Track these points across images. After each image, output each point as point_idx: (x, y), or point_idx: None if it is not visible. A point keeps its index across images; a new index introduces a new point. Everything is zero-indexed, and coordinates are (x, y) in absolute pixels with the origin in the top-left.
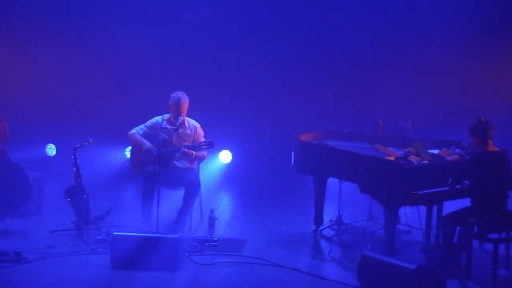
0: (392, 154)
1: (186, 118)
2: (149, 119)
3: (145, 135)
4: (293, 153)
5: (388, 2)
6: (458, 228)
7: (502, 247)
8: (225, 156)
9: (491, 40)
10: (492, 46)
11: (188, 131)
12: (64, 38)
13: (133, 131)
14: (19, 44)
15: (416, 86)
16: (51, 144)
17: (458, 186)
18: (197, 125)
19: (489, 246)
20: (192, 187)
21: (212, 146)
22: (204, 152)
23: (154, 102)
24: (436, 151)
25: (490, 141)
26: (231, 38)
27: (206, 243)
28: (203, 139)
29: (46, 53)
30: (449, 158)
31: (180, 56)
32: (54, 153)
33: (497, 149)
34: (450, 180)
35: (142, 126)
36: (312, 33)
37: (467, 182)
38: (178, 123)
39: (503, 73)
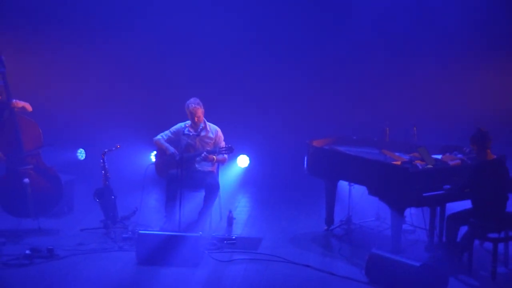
0: (398, 159)
1: (208, 123)
2: (172, 125)
3: (169, 140)
4: (306, 157)
5: (396, 14)
6: (460, 228)
7: (501, 246)
8: (243, 161)
9: (494, 49)
10: (495, 55)
11: (210, 135)
12: (92, 47)
13: (158, 136)
14: (51, 54)
15: (421, 96)
16: (81, 149)
17: (447, 186)
18: (218, 129)
19: (489, 245)
20: (211, 189)
21: (232, 151)
22: (225, 156)
23: (176, 109)
24: (439, 156)
25: (489, 150)
26: (249, 46)
27: (225, 241)
28: (223, 142)
29: (76, 64)
30: (451, 163)
31: (200, 64)
32: (84, 157)
33: (495, 156)
34: (456, 185)
35: (167, 132)
36: (326, 44)
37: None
38: (199, 130)
39: (504, 81)
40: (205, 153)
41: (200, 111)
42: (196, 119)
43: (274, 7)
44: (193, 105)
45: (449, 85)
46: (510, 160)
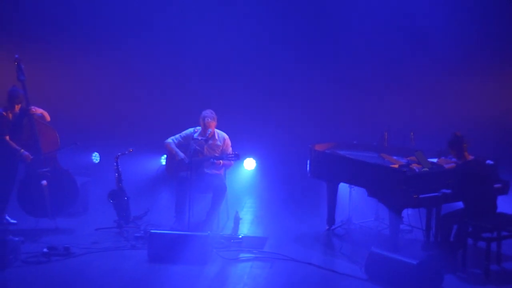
0: (396, 162)
1: (216, 130)
2: (182, 129)
3: (179, 144)
4: (308, 161)
5: (394, 24)
6: (454, 228)
7: (494, 245)
8: (249, 163)
9: (489, 57)
10: (490, 63)
11: (218, 142)
12: (106, 53)
13: (170, 140)
14: (66, 62)
15: (418, 103)
16: (96, 153)
17: (445, 191)
18: (226, 136)
19: (482, 244)
20: (219, 191)
21: (239, 159)
22: (231, 161)
23: (186, 113)
24: (435, 160)
25: (466, 152)
26: (257, 53)
27: (232, 240)
28: (230, 149)
29: (91, 72)
30: (446, 166)
31: (209, 69)
32: (99, 160)
33: (472, 157)
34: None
35: (177, 136)
36: (330, 56)
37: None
38: (207, 135)
39: (498, 88)
40: (212, 159)
41: (214, 125)
42: (208, 131)
43: (281, 16)
44: (208, 119)
45: (444, 92)
46: (505, 162)
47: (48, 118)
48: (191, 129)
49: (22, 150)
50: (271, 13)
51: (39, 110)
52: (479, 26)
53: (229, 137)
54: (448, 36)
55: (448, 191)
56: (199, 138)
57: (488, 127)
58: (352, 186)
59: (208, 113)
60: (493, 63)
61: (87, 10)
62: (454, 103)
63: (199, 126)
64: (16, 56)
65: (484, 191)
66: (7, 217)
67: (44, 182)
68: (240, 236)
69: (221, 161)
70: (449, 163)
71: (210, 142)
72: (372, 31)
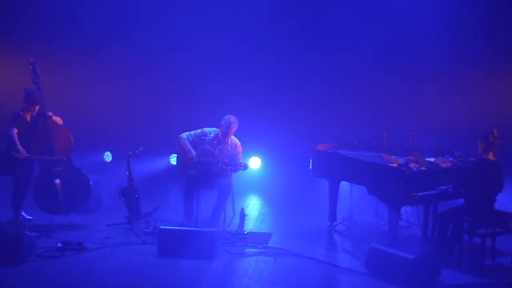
0: (395, 161)
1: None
2: (189, 130)
3: (193, 141)
4: (311, 160)
5: (393, 28)
6: (450, 224)
7: (488, 241)
8: (255, 162)
9: (487, 61)
10: (487, 66)
11: (229, 148)
12: (116, 58)
13: (184, 135)
14: (80, 64)
15: (416, 105)
16: (108, 152)
17: (444, 187)
18: (238, 144)
19: (477, 240)
20: (224, 190)
21: (246, 169)
22: (238, 169)
23: (193, 115)
24: (432, 159)
25: (492, 152)
26: (263, 54)
27: (238, 236)
28: (240, 156)
29: (104, 75)
30: (443, 165)
31: (217, 71)
32: (111, 159)
33: (495, 159)
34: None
35: (192, 132)
36: (333, 59)
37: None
38: (213, 135)
39: (497, 89)
40: (221, 164)
41: (235, 130)
42: (227, 137)
43: (285, 20)
44: (235, 125)
45: (441, 95)
46: (503, 161)
47: (61, 122)
48: (205, 129)
49: (19, 146)
50: (275, 17)
51: (53, 117)
52: (476, 28)
53: (236, 136)
54: (445, 38)
55: (445, 188)
56: (212, 140)
57: (486, 126)
58: (353, 184)
59: (233, 119)
60: (489, 64)
61: (99, 12)
62: (451, 104)
63: (212, 127)
64: (31, 59)
65: (489, 191)
66: (24, 214)
67: (58, 180)
68: (246, 232)
69: (228, 166)
70: (446, 162)
71: (223, 146)
72: (372, 33)
